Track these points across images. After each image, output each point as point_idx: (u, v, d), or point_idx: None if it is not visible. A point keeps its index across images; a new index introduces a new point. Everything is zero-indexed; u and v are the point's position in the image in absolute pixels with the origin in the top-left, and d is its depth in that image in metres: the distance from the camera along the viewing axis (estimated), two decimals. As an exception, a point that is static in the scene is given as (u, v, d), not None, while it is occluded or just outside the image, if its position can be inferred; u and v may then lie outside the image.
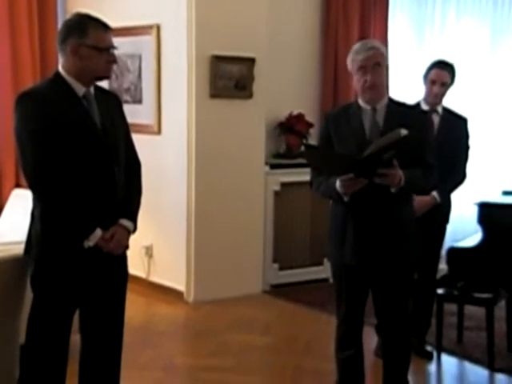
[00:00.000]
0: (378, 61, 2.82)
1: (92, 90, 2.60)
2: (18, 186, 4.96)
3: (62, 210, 2.50)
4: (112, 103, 2.68)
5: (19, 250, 2.68)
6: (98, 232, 2.53)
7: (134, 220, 2.67)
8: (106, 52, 2.54)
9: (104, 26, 2.55)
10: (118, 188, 2.61)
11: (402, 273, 2.92)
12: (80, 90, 2.55)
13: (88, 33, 2.50)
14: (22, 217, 3.03)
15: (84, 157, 2.52)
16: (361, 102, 2.91)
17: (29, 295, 2.66)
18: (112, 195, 2.58)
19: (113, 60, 2.58)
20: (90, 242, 2.51)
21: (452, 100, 4.32)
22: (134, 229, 2.66)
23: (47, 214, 2.53)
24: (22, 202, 4.23)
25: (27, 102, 2.49)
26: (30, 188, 2.56)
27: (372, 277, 2.91)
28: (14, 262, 2.74)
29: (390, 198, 2.78)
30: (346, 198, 2.77)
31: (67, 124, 2.49)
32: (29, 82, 4.92)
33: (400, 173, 2.71)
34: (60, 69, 2.58)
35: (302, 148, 5.08)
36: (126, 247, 2.67)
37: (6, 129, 4.91)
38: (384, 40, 5.65)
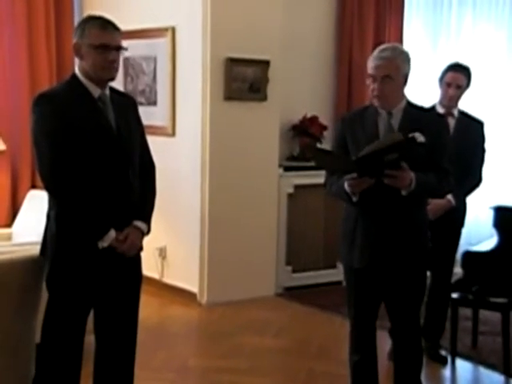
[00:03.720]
0: (387, 73, 2.72)
1: (107, 91, 2.62)
2: (33, 187, 5.00)
3: (77, 211, 2.52)
4: (127, 105, 2.69)
5: (35, 250, 2.71)
6: (112, 233, 2.54)
7: (148, 221, 2.68)
8: (102, 50, 2.49)
9: (103, 25, 2.51)
10: (133, 189, 2.62)
11: (413, 276, 2.88)
12: (95, 91, 2.57)
13: (85, 32, 2.51)
14: (38, 218, 3.05)
15: (99, 158, 2.53)
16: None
17: (44, 295, 2.68)
18: (126, 197, 2.60)
19: (111, 59, 2.51)
20: (104, 243, 2.53)
21: (469, 104, 4.29)
22: (147, 230, 2.68)
23: (62, 214, 2.54)
24: (37, 202, 4.26)
25: (44, 104, 2.51)
26: (46, 189, 2.58)
27: (382, 281, 2.88)
28: (29, 263, 2.75)
29: (400, 201, 2.75)
30: (354, 199, 2.75)
31: (83, 125, 2.50)
32: (45, 84, 4.97)
33: (411, 175, 2.68)
34: (76, 71, 2.60)
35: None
36: (140, 248, 2.68)
37: (23, 130, 4.96)
38: (399, 43, 5.62)
